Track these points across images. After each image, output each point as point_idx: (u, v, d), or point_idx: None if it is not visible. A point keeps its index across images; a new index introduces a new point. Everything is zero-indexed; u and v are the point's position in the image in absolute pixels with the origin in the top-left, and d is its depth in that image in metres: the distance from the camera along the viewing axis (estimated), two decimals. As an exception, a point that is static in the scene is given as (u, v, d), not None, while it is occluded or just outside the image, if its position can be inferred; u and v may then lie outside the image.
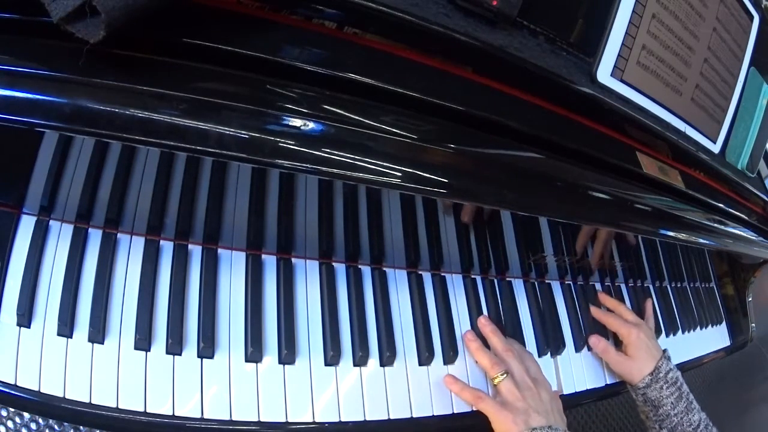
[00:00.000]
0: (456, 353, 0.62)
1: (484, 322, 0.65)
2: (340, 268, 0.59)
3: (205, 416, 0.47)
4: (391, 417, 0.55)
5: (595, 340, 0.75)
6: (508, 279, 0.72)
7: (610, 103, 0.57)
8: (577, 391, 0.72)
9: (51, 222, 0.48)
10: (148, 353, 0.47)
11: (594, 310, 0.79)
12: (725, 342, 1.09)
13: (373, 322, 0.59)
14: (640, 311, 0.87)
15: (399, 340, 0.59)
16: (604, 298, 0.82)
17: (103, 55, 0.34)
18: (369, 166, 0.42)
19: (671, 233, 0.66)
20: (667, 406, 0.71)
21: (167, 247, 0.52)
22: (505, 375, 0.59)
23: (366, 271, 0.61)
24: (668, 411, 0.71)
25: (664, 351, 0.75)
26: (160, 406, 0.46)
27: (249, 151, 0.38)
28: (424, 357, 0.60)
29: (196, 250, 0.53)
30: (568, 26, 0.55)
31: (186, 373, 0.48)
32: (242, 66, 0.38)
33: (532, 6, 0.50)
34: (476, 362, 0.62)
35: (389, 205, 0.58)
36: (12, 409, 0.76)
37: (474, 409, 0.60)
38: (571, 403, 0.72)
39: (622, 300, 0.87)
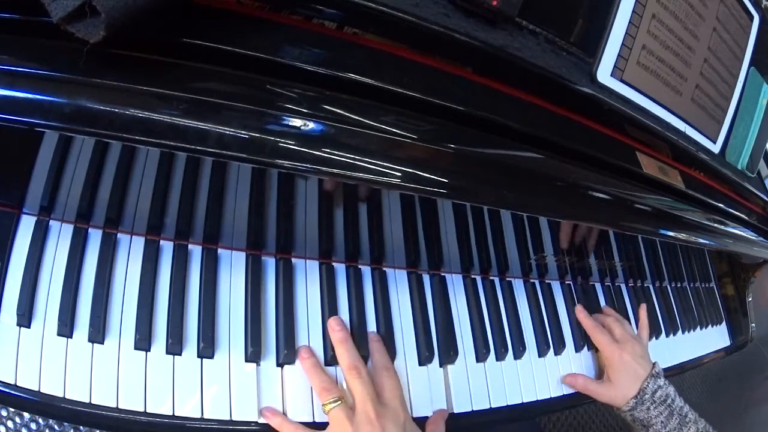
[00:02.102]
0: (456, 353, 0.62)
1: (334, 327, 0.54)
2: (340, 268, 0.59)
3: (205, 416, 0.47)
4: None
5: (570, 379, 0.71)
6: (508, 279, 0.72)
7: (610, 103, 0.57)
8: (578, 391, 0.72)
9: (51, 222, 0.48)
10: (148, 353, 0.47)
11: (580, 315, 0.75)
12: (725, 342, 1.09)
13: (373, 322, 0.59)
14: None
15: (399, 340, 0.59)
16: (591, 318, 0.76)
17: (103, 55, 0.34)
18: (369, 166, 0.42)
19: (671, 233, 0.66)
20: (658, 425, 0.69)
21: (167, 247, 0.52)
22: (336, 402, 0.49)
23: (366, 271, 0.61)
24: (659, 429, 0.69)
25: (653, 366, 0.71)
26: (160, 406, 0.46)
27: (249, 151, 0.38)
28: (424, 357, 0.60)
29: (196, 250, 0.53)
30: (568, 26, 0.55)
31: (186, 373, 0.48)
32: (242, 66, 0.38)
33: (532, 6, 0.50)
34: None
35: (389, 205, 0.58)
36: (12, 409, 0.76)
37: (473, 409, 0.60)
38: (572, 403, 0.72)
39: (621, 299, 0.87)
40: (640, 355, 0.72)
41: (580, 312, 0.76)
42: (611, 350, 0.71)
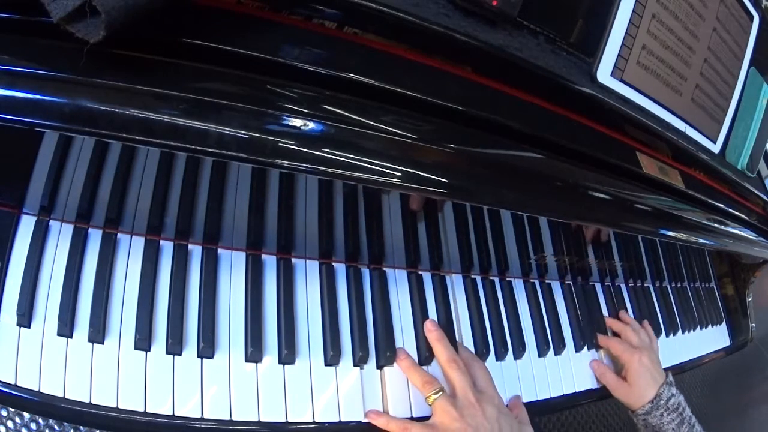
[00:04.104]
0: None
1: (430, 327, 0.60)
2: (340, 268, 0.59)
3: (205, 416, 0.47)
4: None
5: (595, 365, 0.75)
6: (508, 279, 0.72)
7: (610, 103, 0.57)
8: (578, 390, 0.72)
9: (51, 222, 0.48)
10: (148, 353, 0.47)
11: (600, 338, 0.78)
12: (725, 342, 1.10)
13: (373, 322, 0.59)
14: (641, 312, 0.87)
15: (399, 340, 0.59)
16: (611, 322, 0.81)
17: (103, 55, 0.34)
18: (369, 166, 0.42)
19: (671, 233, 0.66)
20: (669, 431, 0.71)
21: (167, 247, 0.52)
22: (439, 393, 0.54)
23: (366, 271, 0.61)
24: None
25: (667, 375, 0.74)
26: (160, 406, 0.46)
27: (249, 151, 0.38)
28: (424, 357, 0.60)
29: (196, 250, 0.53)
30: (568, 26, 0.55)
31: (186, 373, 0.48)
32: (242, 66, 0.38)
33: (532, 6, 0.50)
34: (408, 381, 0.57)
35: (389, 205, 0.58)
36: (12, 409, 0.76)
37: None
38: (572, 403, 0.72)
39: (621, 299, 0.87)
40: (656, 361, 0.75)
41: (601, 337, 0.78)
42: (630, 354, 0.74)
